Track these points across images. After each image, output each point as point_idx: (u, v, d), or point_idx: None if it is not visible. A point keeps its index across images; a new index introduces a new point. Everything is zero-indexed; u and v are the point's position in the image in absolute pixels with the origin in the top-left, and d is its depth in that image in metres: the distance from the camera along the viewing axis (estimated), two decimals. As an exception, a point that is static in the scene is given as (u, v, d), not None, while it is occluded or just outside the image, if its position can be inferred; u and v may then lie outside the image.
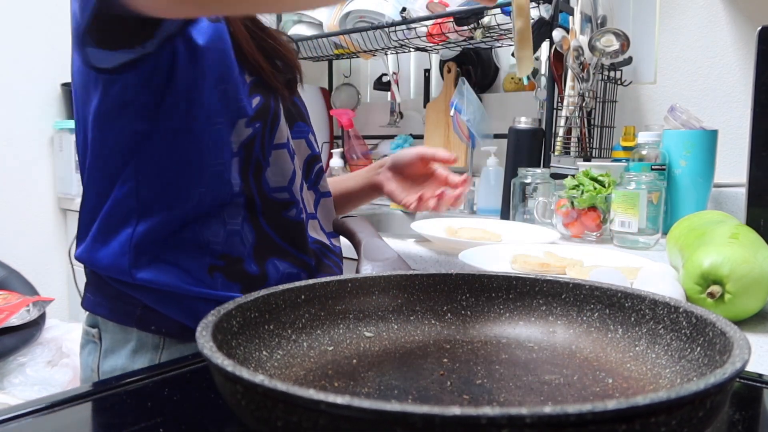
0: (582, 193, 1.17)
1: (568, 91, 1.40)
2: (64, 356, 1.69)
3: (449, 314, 0.49)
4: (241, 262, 0.71)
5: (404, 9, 1.63)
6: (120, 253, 0.69)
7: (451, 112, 1.68)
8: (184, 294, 0.69)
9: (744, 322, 0.66)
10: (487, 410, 0.23)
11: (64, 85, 2.16)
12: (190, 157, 0.69)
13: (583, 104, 1.40)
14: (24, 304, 1.69)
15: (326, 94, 2.21)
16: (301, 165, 0.82)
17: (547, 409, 0.23)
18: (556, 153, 1.42)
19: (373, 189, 1.00)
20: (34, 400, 0.39)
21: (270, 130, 0.73)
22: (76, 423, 0.39)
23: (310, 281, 0.46)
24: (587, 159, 1.42)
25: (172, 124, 0.68)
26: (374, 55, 1.94)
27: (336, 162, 2.04)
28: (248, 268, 0.71)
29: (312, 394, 0.25)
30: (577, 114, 1.40)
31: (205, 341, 0.32)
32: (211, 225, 0.70)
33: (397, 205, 0.99)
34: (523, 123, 1.44)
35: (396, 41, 1.70)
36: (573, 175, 1.22)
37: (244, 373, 0.28)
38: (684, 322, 0.39)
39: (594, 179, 1.18)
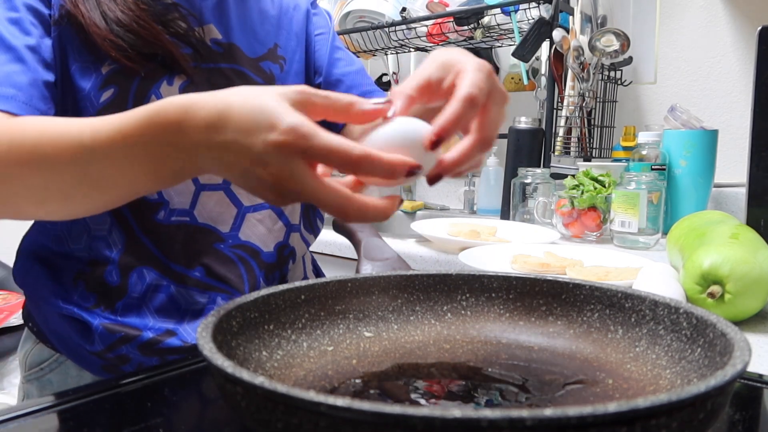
0: (582, 193, 1.17)
1: (568, 91, 1.40)
2: (63, 356, 1.69)
3: (449, 314, 0.49)
4: (104, 269, 0.66)
5: (404, 9, 1.62)
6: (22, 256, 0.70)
7: (451, 112, 1.68)
8: (52, 306, 0.67)
9: (744, 322, 0.66)
10: (488, 412, 0.23)
11: None
12: None
13: (583, 104, 1.40)
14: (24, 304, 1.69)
15: (326, 93, 2.20)
16: None
17: (548, 412, 0.23)
18: (556, 153, 1.42)
19: None
20: (34, 400, 0.39)
21: None
22: (76, 423, 0.39)
23: (310, 281, 0.46)
24: (587, 159, 1.42)
25: None
26: (374, 55, 1.94)
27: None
28: (108, 277, 0.66)
29: (312, 396, 0.25)
30: (577, 114, 1.40)
31: (205, 342, 0.32)
32: (72, 229, 0.66)
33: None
34: (523, 123, 1.44)
35: (396, 41, 1.70)
36: (573, 175, 1.22)
37: (244, 374, 0.27)
38: (684, 323, 0.39)
39: (594, 179, 1.18)
